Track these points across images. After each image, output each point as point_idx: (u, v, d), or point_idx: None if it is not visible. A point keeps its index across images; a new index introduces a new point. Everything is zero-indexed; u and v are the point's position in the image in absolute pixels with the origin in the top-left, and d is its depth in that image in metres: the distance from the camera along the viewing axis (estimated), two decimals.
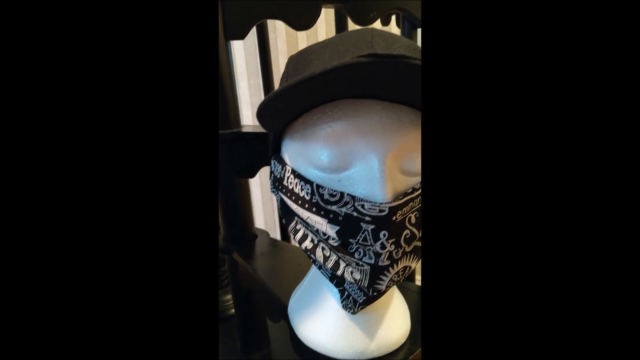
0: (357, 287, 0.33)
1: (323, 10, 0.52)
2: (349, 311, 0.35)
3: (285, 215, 0.36)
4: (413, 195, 0.30)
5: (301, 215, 0.33)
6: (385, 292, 0.32)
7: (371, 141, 0.29)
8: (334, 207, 0.30)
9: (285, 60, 0.35)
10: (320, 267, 0.35)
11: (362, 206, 0.29)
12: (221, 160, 0.51)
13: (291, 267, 0.54)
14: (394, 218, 0.29)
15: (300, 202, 0.32)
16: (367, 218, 0.29)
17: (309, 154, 0.31)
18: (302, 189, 0.32)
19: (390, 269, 0.31)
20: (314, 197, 0.31)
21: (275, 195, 0.37)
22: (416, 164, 0.31)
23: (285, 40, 1.05)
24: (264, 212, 1.20)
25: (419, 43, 0.66)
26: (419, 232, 0.31)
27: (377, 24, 0.66)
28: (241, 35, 0.49)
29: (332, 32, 0.85)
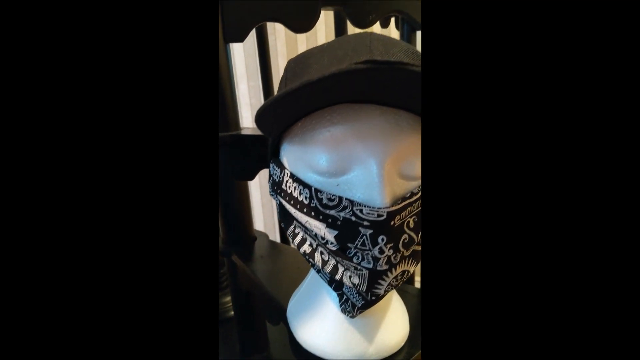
0: (355, 292, 0.33)
1: (322, 12, 0.52)
2: (347, 315, 0.35)
3: (284, 219, 0.36)
4: (411, 200, 0.30)
5: (300, 220, 0.33)
6: (383, 296, 0.33)
7: (370, 146, 0.29)
8: (332, 212, 0.30)
9: (285, 62, 0.35)
10: (319, 271, 0.35)
11: (361, 211, 0.29)
12: (220, 162, 0.51)
13: (290, 269, 0.55)
14: (392, 223, 0.29)
15: (299, 206, 0.32)
16: (365, 223, 0.29)
17: (307, 158, 0.31)
18: (300, 193, 0.32)
19: (389, 274, 0.31)
20: (312, 201, 0.31)
21: (274, 198, 0.37)
22: (415, 168, 0.31)
23: (285, 42, 1.05)
24: (263, 215, 1.20)
25: (419, 46, 0.66)
26: (418, 237, 0.31)
27: (377, 27, 0.66)
28: (240, 38, 0.49)
29: (331, 35, 0.85)
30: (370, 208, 0.29)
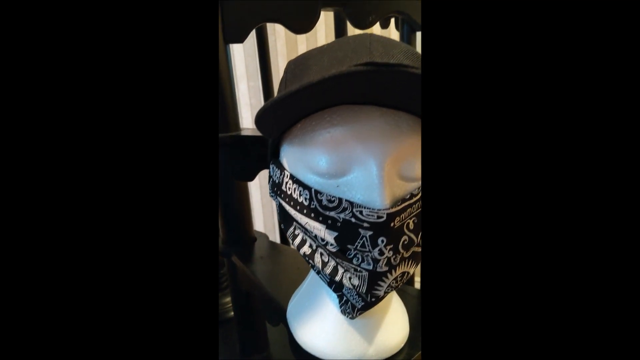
0: (355, 293, 0.33)
1: (322, 13, 0.52)
2: (347, 316, 0.35)
3: (284, 220, 0.36)
4: (411, 201, 0.30)
5: (300, 221, 0.33)
6: (383, 297, 0.33)
7: (370, 147, 0.29)
8: (332, 213, 0.30)
9: (285, 62, 0.36)
10: (318, 272, 0.35)
11: (361, 212, 0.29)
12: (220, 163, 0.51)
13: (290, 270, 0.55)
14: (392, 224, 0.29)
15: (298, 207, 0.32)
16: (365, 224, 0.29)
17: (307, 160, 0.31)
18: (300, 195, 0.32)
19: (389, 275, 0.31)
20: (312, 202, 0.31)
21: (274, 200, 0.37)
22: (414, 169, 0.31)
23: (285, 43, 1.05)
24: (263, 215, 1.20)
25: (418, 46, 0.66)
26: (417, 238, 0.31)
27: (377, 27, 0.66)
28: (240, 39, 0.49)
29: (331, 35, 0.85)
30: (370, 210, 0.29)
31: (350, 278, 0.31)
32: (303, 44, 1.08)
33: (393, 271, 0.31)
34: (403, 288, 0.49)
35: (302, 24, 0.50)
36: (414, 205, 0.30)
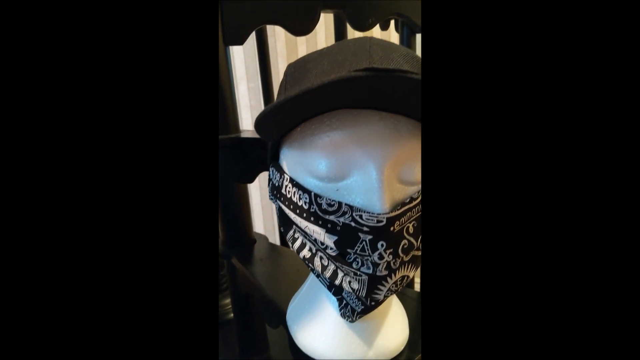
0: (355, 297, 0.33)
1: (322, 14, 0.52)
2: (347, 319, 0.35)
3: (284, 223, 0.36)
4: (411, 205, 0.30)
5: (299, 225, 0.33)
6: (383, 301, 0.33)
7: (369, 151, 0.29)
8: (332, 217, 0.30)
9: (285, 64, 0.36)
10: (318, 276, 0.35)
11: (360, 216, 0.29)
12: (220, 165, 0.51)
13: (290, 272, 0.55)
14: (392, 228, 0.29)
15: (298, 211, 0.32)
16: (365, 228, 0.29)
17: (307, 163, 0.31)
18: (300, 198, 0.32)
19: (388, 279, 0.31)
20: (312, 206, 0.31)
21: (274, 203, 0.37)
22: (414, 173, 0.31)
23: (285, 44, 1.05)
24: (263, 216, 1.20)
25: (418, 48, 0.66)
26: (417, 242, 0.31)
27: (377, 29, 0.66)
28: (240, 41, 0.49)
29: (331, 36, 0.85)
30: (370, 214, 0.29)
31: (350, 282, 0.31)
32: (303, 45, 1.08)
33: (393, 275, 0.31)
34: (403, 290, 0.49)
35: (302, 26, 0.50)
36: (414, 209, 0.30)
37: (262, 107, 0.97)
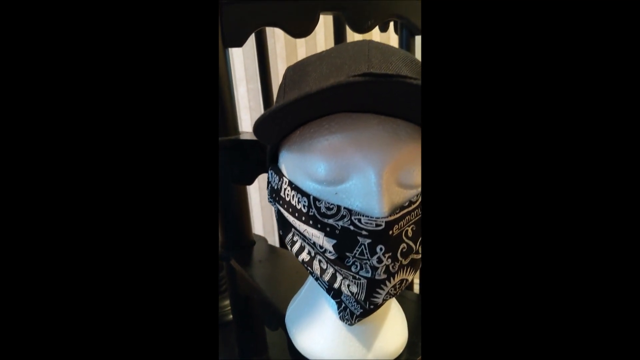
0: (354, 300, 0.33)
1: (322, 16, 0.52)
2: (346, 322, 0.35)
3: (282, 226, 0.36)
4: (410, 209, 0.30)
5: (298, 228, 0.33)
6: (382, 304, 0.33)
7: (368, 154, 0.29)
8: (330, 221, 0.30)
9: (284, 65, 0.36)
10: (317, 279, 0.35)
11: (359, 220, 0.29)
12: (220, 166, 0.51)
13: (289, 274, 0.55)
14: (390, 232, 0.29)
15: (297, 214, 0.32)
16: (363, 232, 0.29)
17: (306, 167, 0.31)
18: (299, 202, 0.32)
19: (387, 283, 0.31)
20: (310, 210, 0.31)
21: (273, 206, 0.37)
22: (413, 176, 0.31)
23: (284, 45, 1.05)
24: (262, 218, 1.20)
25: (418, 50, 0.66)
26: (416, 246, 0.31)
27: (376, 31, 0.66)
28: (239, 43, 0.49)
29: (330, 38, 0.85)
30: (369, 217, 0.29)
31: (348, 285, 0.31)
32: (302, 47, 1.08)
33: (391, 279, 0.31)
34: (402, 293, 0.49)
35: (301, 28, 0.50)
36: (413, 213, 0.30)
37: (261, 109, 0.97)
